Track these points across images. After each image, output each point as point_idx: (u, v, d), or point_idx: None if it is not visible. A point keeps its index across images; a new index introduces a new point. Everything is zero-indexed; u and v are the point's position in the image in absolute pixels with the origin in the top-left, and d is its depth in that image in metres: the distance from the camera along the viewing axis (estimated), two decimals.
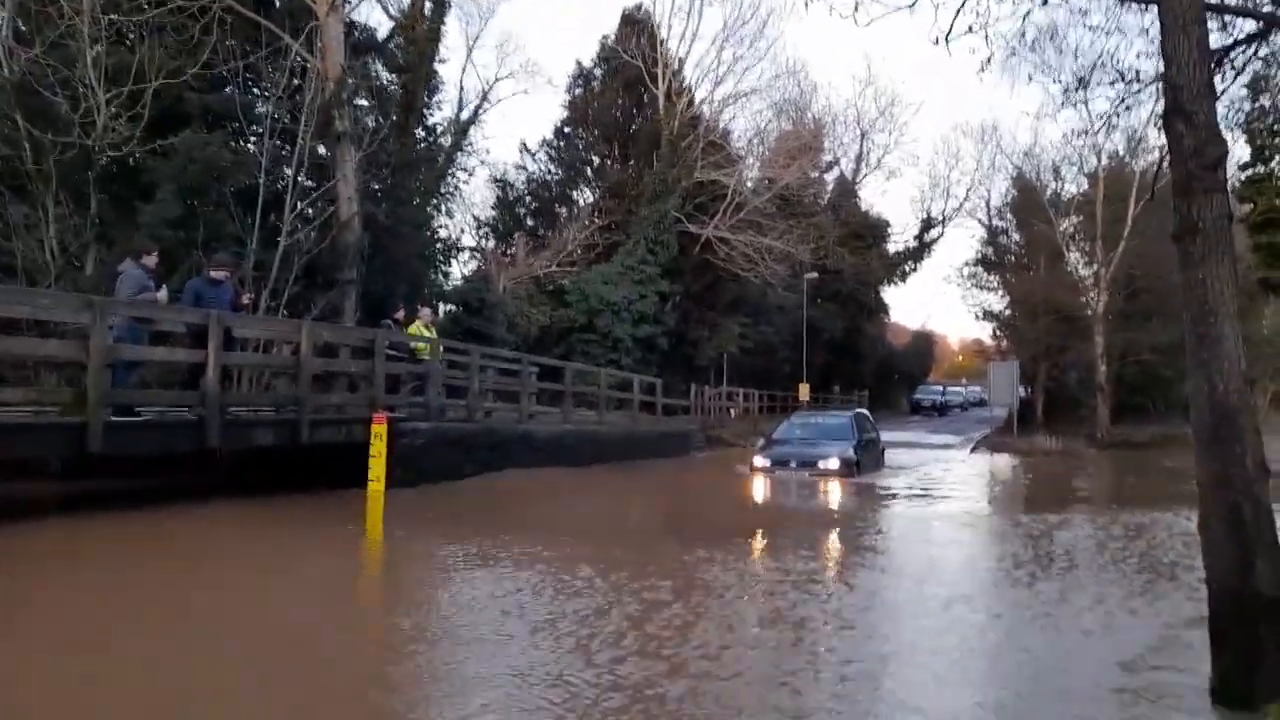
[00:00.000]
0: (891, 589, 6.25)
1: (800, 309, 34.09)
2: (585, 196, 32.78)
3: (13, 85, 13.61)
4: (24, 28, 14.53)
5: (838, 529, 9.78)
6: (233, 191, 15.47)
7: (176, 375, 10.64)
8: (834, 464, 14.75)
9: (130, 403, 9.37)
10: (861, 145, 44.01)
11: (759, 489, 14.10)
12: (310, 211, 17.03)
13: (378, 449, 10.81)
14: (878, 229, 44.18)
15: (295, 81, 16.74)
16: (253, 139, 17.38)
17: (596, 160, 33.22)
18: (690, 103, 30.34)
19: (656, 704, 3.72)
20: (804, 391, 33.69)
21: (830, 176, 42.76)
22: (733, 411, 30.73)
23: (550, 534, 7.85)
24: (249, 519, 9.06)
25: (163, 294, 9.96)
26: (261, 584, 5.97)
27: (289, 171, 16.66)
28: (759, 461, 15.36)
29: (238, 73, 16.02)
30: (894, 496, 13.73)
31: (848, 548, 8.33)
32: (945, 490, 14.79)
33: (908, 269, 46.15)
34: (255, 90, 17.69)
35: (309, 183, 17.27)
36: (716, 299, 31.13)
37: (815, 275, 34.13)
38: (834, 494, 13.36)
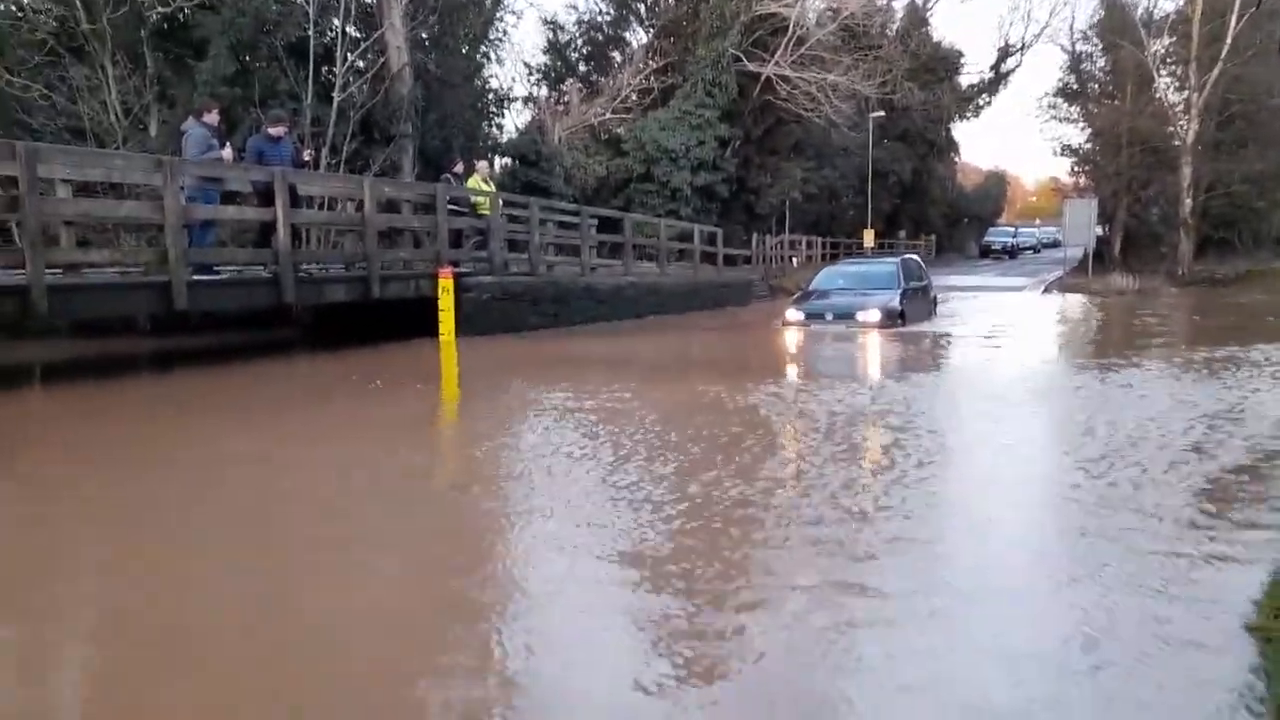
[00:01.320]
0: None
1: (866, 150, 32.78)
2: (639, 37, 31.38)
3: None
4: None
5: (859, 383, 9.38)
6: (283, 45, 15.25)
7: (249, 234, 10.90)
8: (874, 315, 13.28)
9: (208, 261, 9.68)
10: None
11: (787, 343, 12.46)
12: (361, 64, 16.75)
13: (445, 303, 11.09)
14: (950, 61, 41.51)
15: None
16: None
17: None
18: None
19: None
20: (869, 237, 32.91)
21: (899, 4, 39.94)
22: (795, 260, 30.31)
23: (604, 381, 8.06)
24: (330, 371, 9.46)
25: (227, 152, 10.06)
26: (350, 431, 6.32)
27: (337, 22, 16.28)
28: (791, 315, 14.05)
29: None
30: (941, 345, 12.18)
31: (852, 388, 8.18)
32: (1005, 337, 13.28)
33: (981, 103, 43.60)
34: None
35: (358, 33, 16.89)
36: (778, 143, 30.06)
37: (882, 114, 32.56)
38: (870, 346, 11.70)
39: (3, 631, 3.02)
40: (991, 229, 50.83)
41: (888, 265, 15.70)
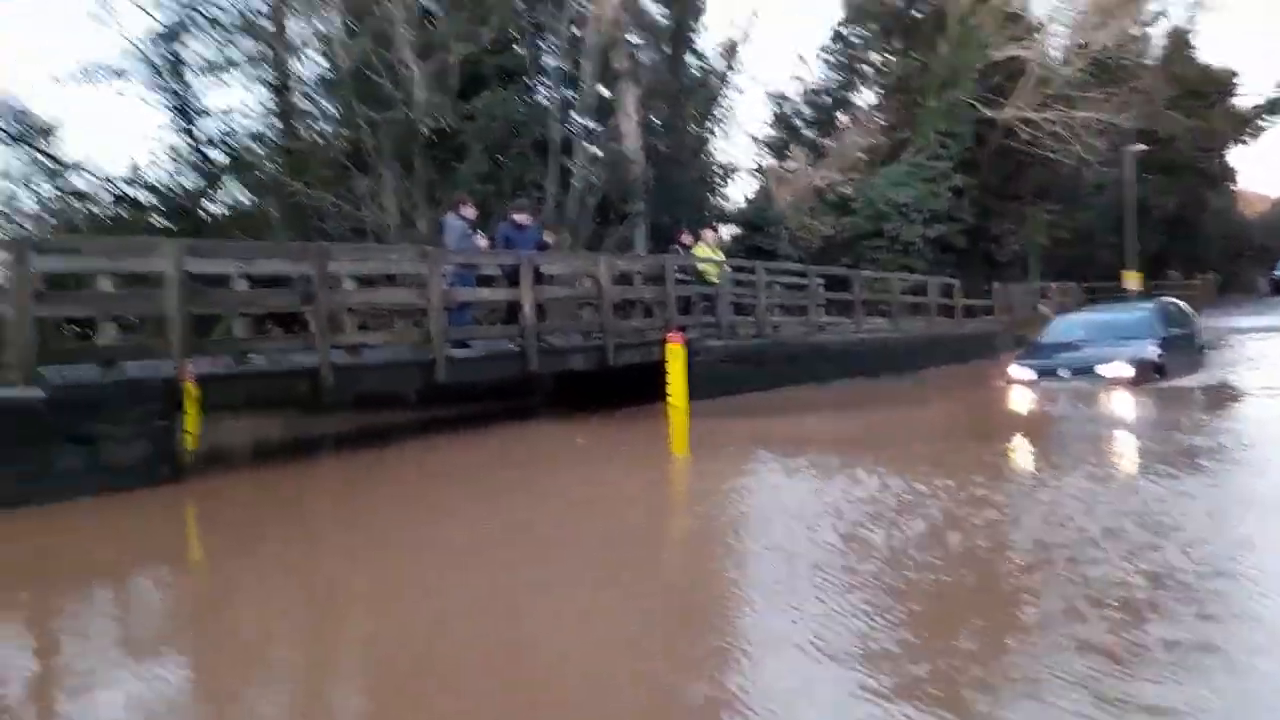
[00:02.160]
0: None
1: (1122, 186, 29.97)
2: (865, 98, 31.17)
3: (350, 76, 15.74)
4: (352, 24, 16.67)
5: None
6: (530, 142, 16.76)
7: (498, 313, 11.93)
8: (1123, 369, 11.12)
9: (464, 338, 10.69)
10: None
11: (1011, 407, 10.97)
12: (598, 151, 17.99)
13: (675, 368, 11.40)
14: (1221, 82, 37.28)
15: (575, 30, 17.60)
16: (542, 89, 18.62)
17: (877, 58, 31.33)
18: None
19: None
20: (1131, 279, 29.79)
21: (1157, 29, 36.59)
22: (1043, 308, 28.06)
23: (834, 442, 7.86)
24: (572, 435, 10.00)
25: (482, 240, 11.15)
26: (589, 491, 6.68)
27: (576, 116, 17.67)
28: (1017, 371, 12.18)
29: (524, 30, 17.18)
30: (1220, 404, 10.28)
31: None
32: None
33: (1263, 124, 38.53)
34: (541, 44, 18.85)
35: (595, 125, 18.21)
36: (1020, 187, 28.34)
37: (1142, 147, 29.76)
38: (1122, 409, 9.88)
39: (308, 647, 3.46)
40: None
41: (1140, 311, 13.43)
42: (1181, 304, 14.68)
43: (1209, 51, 42.07)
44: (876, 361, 15.95)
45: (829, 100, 31.56)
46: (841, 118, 30.76)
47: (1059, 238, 29.40)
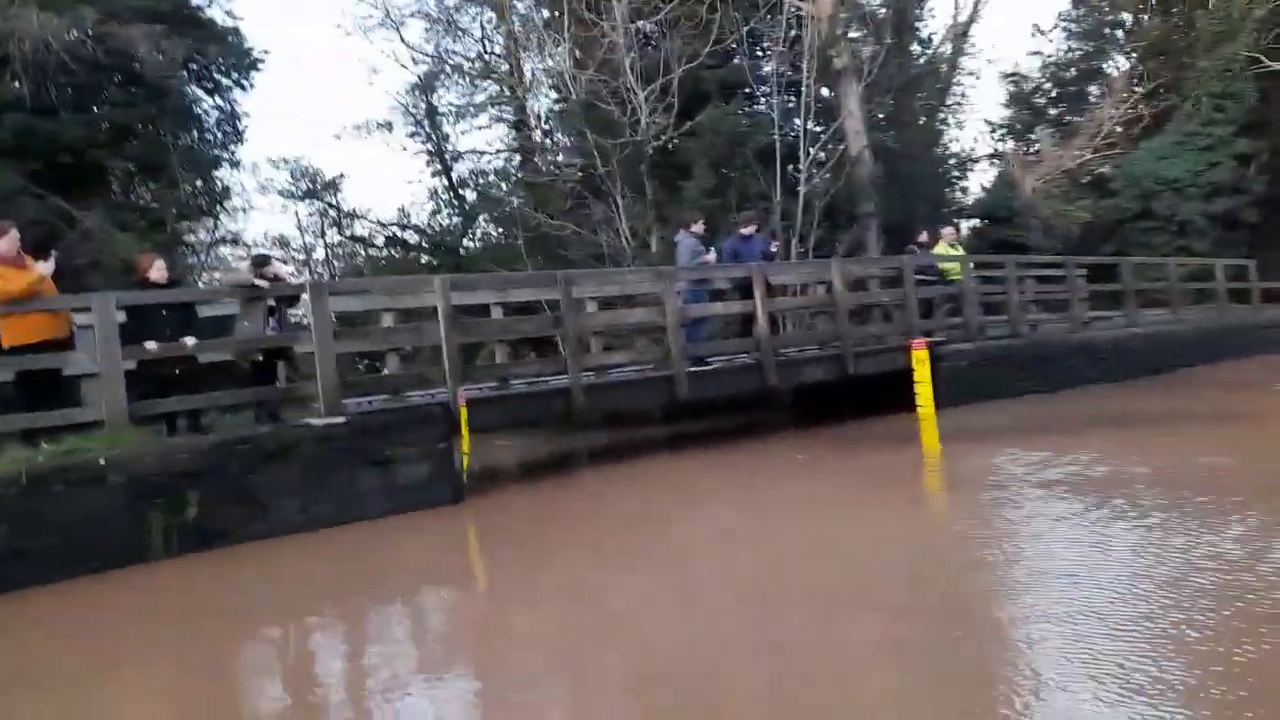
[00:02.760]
0: None
1: None
2: (1119, 66, 28.18)
3: (580, 106, 16.57)
4: (579, 55, 17.55)
5: None
6: (753, 152, 16.75)
7: (733, 326, 11.98)
8: None
9: (701, 354, 10.82)
10: None
11: None
12: (823, 154, 17.63)
13: (921, 374, 10.85)
14: None
15: (793, 32, 17.40)
16: (762, 98, 18.56)
17: (1128, 18, 28.26)
18: None
19: None
20: None
21: None
22: None
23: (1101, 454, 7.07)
24: (819, 450, 9.80)
25: (711, 255, 11.26)
26: (846, 509, 6.51)
27: (799, 121, 17.44)
28: None
29: (743, 40, 17.23)
30: None
31: None
32: None
33: None
34: (759, 52, 18.81)
35: (818, 128, 17.87)
36: None
37: None
38: None
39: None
40: None
41: None
42: None
43: None
44: (1156, 358, 14.26)
45: (1074, 73, 28.87)
46: (1092, 89, 28.02)
47: None
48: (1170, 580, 3.92)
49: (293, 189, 18.33)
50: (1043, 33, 29.33)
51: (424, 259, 18.54)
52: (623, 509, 7.34)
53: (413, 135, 19.48)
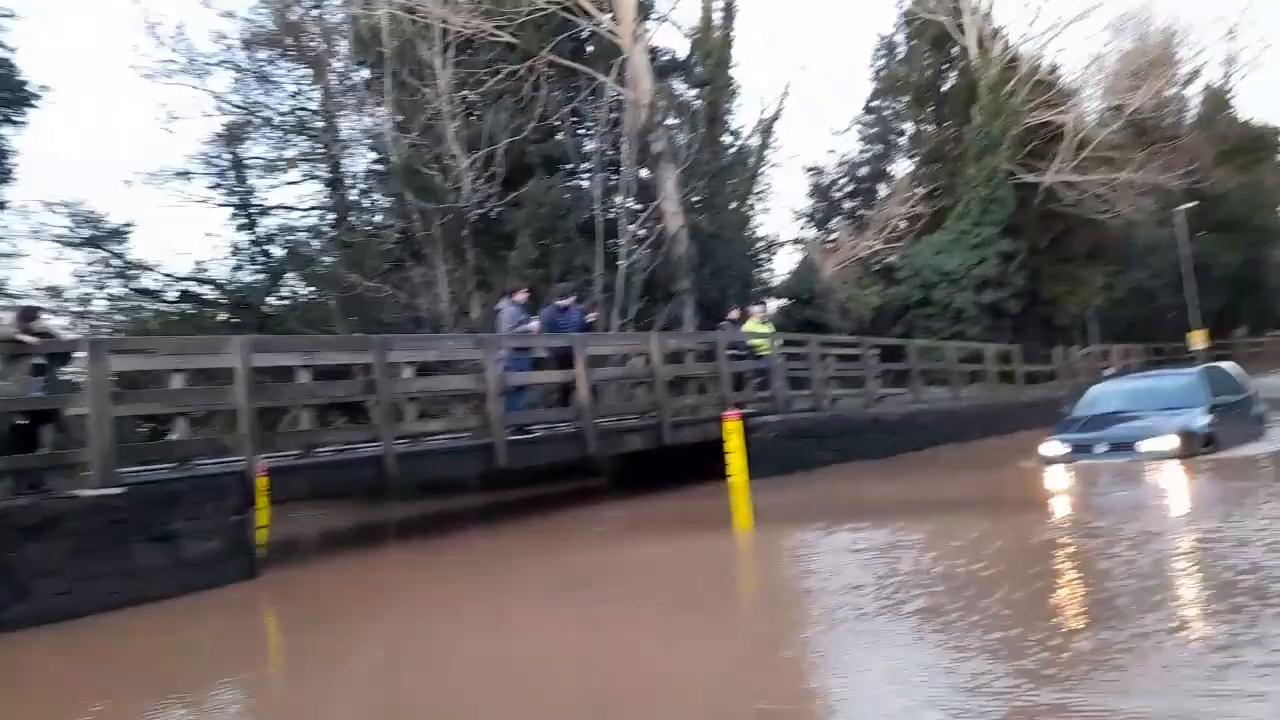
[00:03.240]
0: None
1: (1177, 246, 29.56)
2: (903, 168, 31.45)
3: (401, 168, 16.30)
4: (400, 118, 17.34)
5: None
6: (576, 226, 17.09)
7: (554, 395, 11.95)
8: (1168, 442, 9.87)
9: (522, 422, 10.69)
10: (1230, 46, 37.17)
11: (1050, 490, 9.61)
12: (642, 232, 18.27)
13: (733, 444, 11.23)
14: (1265, 138, 37.01)
15: (614, 114, 18.11)
16: (585, 175, 19.07)
17: (910, 128, 31.74)
18: (1006, 45, 27.81)
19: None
20: (1197, 339, 29.12)
21: (1193, 90, 36.61)
22: (1107, 371, 27.45)
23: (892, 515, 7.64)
24: (635, 517, 9.85)
25: (534, 325, 11.25)
26: (659, 567, 6.54)
27: (619, 199, 18.03)
28: (1050, 448, 10.75)
29: (565, 119, 17.72)
30: None
31: None
32: None
33: None
34: (581, 131, 19.39)
35: (637, 206, 18.54)
36: (1071, 249, 28.10)
37: (1193, 204, 29.43)
38: (1179, 491, 8.65)
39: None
40: None
41: (1186, 377, 11.95)
42: (1231, 368, 13.06)
43: (1249, 109, 41.78)
44: (939, 432, 15.61)
45: (866, 171, 31.90)
46: (880, 187, 31.01)
47: (1116, 299, 28.94)
48: None
49: (71, 234, 16.63)
50: (837, 134, 32.35)
51: (222, 316, 17.28)
52: (425, 592, 6.95)
53: (215, 187, 18.31)
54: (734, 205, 22.08)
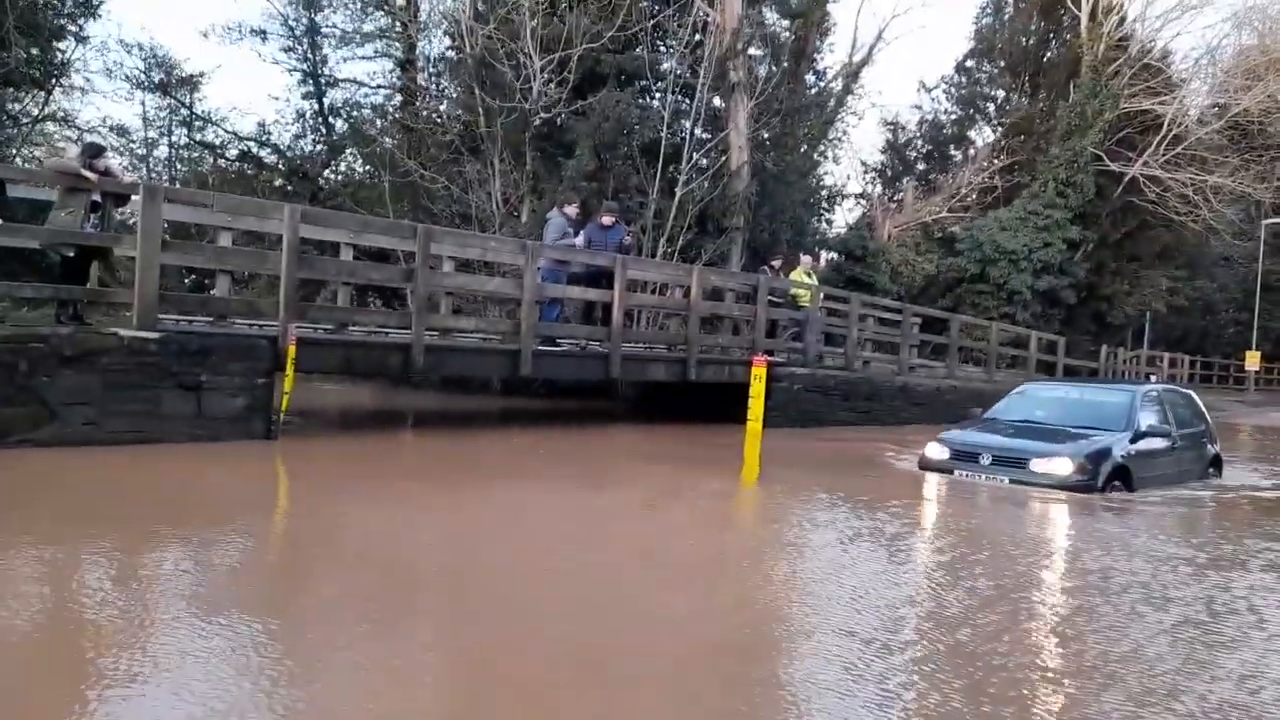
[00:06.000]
0: None
1: (1254, 261, 28.41)
2: (985, 136, 30.37)
3: (473, 59, 16.09)
4: (481, 7, 17.04)
5: None
6: (638, 145, 16.84)
7: (588, 314, 12.00)
8: (1062, 466, 8.06)
9: (552, 334, 10.80)
10: None
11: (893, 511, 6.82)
12: (704, 161, 17.96)
13: (756, 390, 11.27)
14: None
15: (696, 36, 17.61)
16: (656, 95, 18.69)
17: (1001, 95, 30.52)
18: (1121, 21, 26.36)
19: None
20: (1252, 360, 28.25)
21: None
22: (1154, 377, 26.83)
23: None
24: (646, 446, 10.00)
25: (580, 239, 11.24)
26: (657, 502, 6.68)
27: (687, 124, 17.68)
28: (934, 451, 8.85)
29: (647, 32, 17.27)
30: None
31: None
32: None
33: None
34: (661, 47, 18.93)
35: (705, 134, 18.19)
36: (1140, 248, 27.13)
37: (1276, 218, 28.15)
38: (1061, 542, 6.25)
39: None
40: None
41: (1119, 395, 9.75)
42: (1192, 395, 11.07)
43: None
44: (967, 409, 15.45)
45: (946, 134, 30.86)
46: (957, 153, 30.06)
47: (1177, 306, 28.05)
48: None
49: (143, 77, 16.78)
50: (927, 90, 31.19)
51: (278, 182, 17.47)
52: (427, 476, 7.19)
53: (288, 50, 18.28)
54: (804, 149, 21.59)
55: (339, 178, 18.05)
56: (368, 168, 17.87)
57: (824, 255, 21.74)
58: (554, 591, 4.21)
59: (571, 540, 5.29)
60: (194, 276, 12.16)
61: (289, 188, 16.66)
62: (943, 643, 3.67)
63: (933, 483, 8.34)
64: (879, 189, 30.24)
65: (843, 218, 25.44)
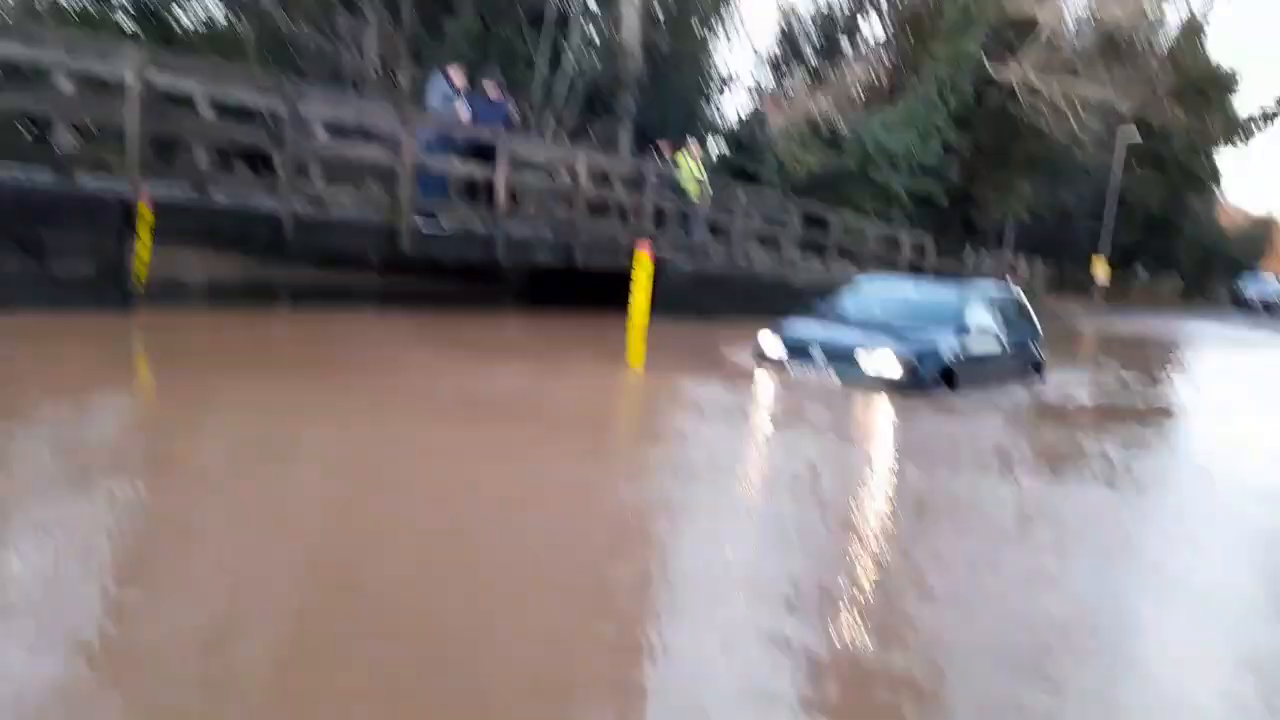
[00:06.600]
0: None
1: (1110, 173, 30.16)
2: (876, 30, 30.38)
3: None
4: None
5: None
6: (526, 11, 15.95)
7: (470, 191, 11.54)
8: (888, 366, 8.04)
9: (433, 212, 10.35)
10: None
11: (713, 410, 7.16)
12: (597, 39, 17.26)
13: (639, 277, 11.27)
14: (1224, 83, 37.14)
15: None
16: None
17: None
18: None
19: None
20: (1099, 266, 30.34)
21: (1173, 14, 35.98)
22: (1011, 280, 28.55)
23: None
24: (530, 330, 9.89)
25: (466, 110, 10.65)
26: (537, 385, 6.67)
27: None
28: (768, 344, 8.81)
29: None
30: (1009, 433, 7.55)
31: None
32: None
33: (1255, 127, 38.51)
34: None
35: (595, 7, 17.40)
36: (1010, 155, 28.23)
37: (1134, 131, 29.76)
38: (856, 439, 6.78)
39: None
40: (1247, 276, 42.80)
41: (950, 294, 9.79)
42: (1015, 297, 10.96)
43: (1217, 49, 41.61)
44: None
45: (839, 26, 30.68)
46: (848, 47, 30.01)
47: (1038, 213, 29.58)
48: None
49: None
50: None
51: (127, 25, 15.66)
52: (303, 356, 6.92)
53: None
54: (696, 28, 21.02)
55: (196, 25, 16.32)
56: (228, 12, 16.24)
57: (712, 144, 21.60)
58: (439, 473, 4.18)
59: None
60: (39, 129, 10.83)
61: (139, 32, 14.94)
62: None
63: (772, 382, 8.31)
64: (770, 80, 30.01)
65: (733, 109, 25.25)
